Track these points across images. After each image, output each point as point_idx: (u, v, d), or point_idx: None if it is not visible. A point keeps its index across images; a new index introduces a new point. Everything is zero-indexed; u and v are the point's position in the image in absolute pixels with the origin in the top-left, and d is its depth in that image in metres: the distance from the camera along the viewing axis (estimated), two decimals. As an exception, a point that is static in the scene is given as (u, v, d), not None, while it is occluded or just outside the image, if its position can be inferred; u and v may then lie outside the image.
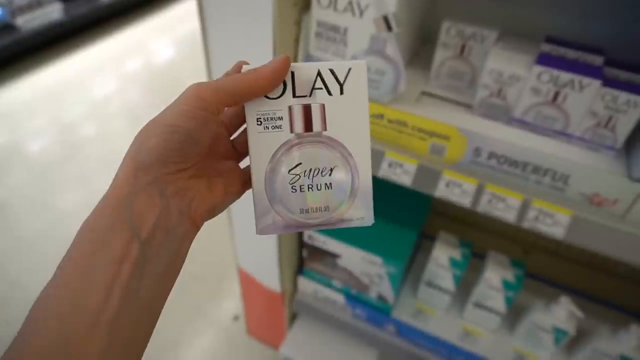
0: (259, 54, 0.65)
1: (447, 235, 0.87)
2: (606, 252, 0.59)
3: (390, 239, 0.88)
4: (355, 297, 0.94)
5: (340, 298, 0.95)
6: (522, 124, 0.62)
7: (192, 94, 0.29)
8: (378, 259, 0.85)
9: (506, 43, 0.63)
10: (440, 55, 0.68)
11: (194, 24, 0.68)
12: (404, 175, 0.66)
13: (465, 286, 0.90)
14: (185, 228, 0.29)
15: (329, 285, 0.96)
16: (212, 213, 0.32)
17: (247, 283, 1.03)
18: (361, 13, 0.59)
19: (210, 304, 1.41)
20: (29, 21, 2.35)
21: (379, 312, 0.92)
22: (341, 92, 0.32)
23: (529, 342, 0.84)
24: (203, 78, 0.75)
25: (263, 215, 0.32)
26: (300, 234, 0.92)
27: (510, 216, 0.62)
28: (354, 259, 0.87)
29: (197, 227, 0.30)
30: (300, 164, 0.32)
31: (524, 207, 0.61)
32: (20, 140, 2.11)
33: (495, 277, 0.81)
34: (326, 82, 0.32)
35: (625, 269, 0.95)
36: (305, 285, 0.99)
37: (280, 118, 0.32)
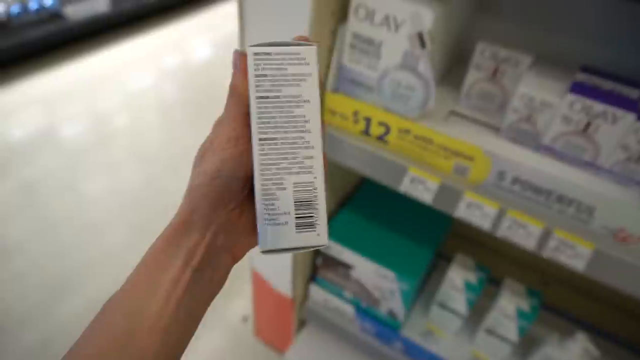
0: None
1: (464, 257, 0.86)
2: (627, 290, 0.57)
3: (406, 255, 0.87)
4: (365, 311, 0.94)
5: (350, 310, 0.95)
6: (550, 151, 0.61)
7: (224, 137, 0.31)
8: (391, 274, 0.84)
9: (540, 69, 0.63)
10: (472, 76, 0.68)
11: (234, 26, 0.69)
12: (425, 192, 0.66)
13: (478, 311, 0.89)
14: (226, 262, 0.33)
15: (340, 295, 0.96)
16: (252, 246, 0.35)
17: (259, 286, 1.04)
18: (397, 28, 0.60)
19: (220, 301, 1.42)
20: (77, 11, 2.44)
21: (388, 328, 0.92)
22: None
23: (539, 376, 0.81)
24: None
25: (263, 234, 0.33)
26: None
27: (530, 244, 0.61)
28: (367, 272, 0.87)
29: (236, 260, 0.34)
30: None
31: (545, 236, 0.60)
32: (55, 124, 2.18)
33: (509, 305, 0.79)
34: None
35: (647, 312, 0.92)
36: (317, 293, 0.99)
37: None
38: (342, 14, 0.65)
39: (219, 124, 0.33)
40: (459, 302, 0.85)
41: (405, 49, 0.60)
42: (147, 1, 2.77)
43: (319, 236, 0.31)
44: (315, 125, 0.31)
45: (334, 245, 0.88)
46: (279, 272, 0.96)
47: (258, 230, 0.31)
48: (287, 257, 0.91)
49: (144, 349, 0.28)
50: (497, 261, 1.00)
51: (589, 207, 0.57)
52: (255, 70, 0.30)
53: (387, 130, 0.67)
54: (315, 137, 0.31)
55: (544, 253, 0.60)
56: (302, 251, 0.31)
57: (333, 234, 0.89)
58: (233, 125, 0.31)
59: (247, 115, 0.31)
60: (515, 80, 0.64)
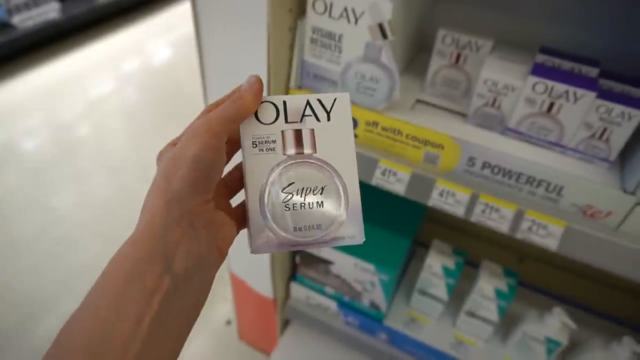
0: (253, 60, 0.64)
1: (441, 243, 0.86)
2: (600, 265, 0.58)
3: (383, 247, 0.87)
4: (348, 305, 0.94)
5: (332, 305, 0.95)
6: (516, 134, 0.61)
7: (203, 126, 0.30)
8: (370, 267, 0.84)
9: (501, 53, 0.63)
10: (435, 63, 0.67)
11: (191, 26, 0.67)
12: (397, 183, 0.66)
13: (458, 295, 0.90)
14: (214, 258, 0.31)
15: (321, 292, 0.95)
16: (232, 240, 0.33)
17: (239, 288, 1.03)
18: (356, 20, 0.59)
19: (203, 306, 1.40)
20: (26, 20, 2.33)
21: (372, 319, 0.92)
22: (328, 119, 0.35)
23: (522, 353, 0.83)
24: (198, 80, 0.74)
25: (257, 234, 0.33)
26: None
27: (503, 227, 0.61)
28: (347, 266, 0.87)
29: (223, 256, 0.32)
30: (293, 183, 0.34)
31: (518, 218, 0.60)
32: (14, 139, 2.09)
33: (488, 286, 0.80)
34: (314, 110, 0.35)
35: (619, 281, 0.95)
36: (298, 291, 0.98)
37: (274, 141, 0.34)
38: (299, 10, 0.64)
39: (201, 116, 0.32)
40: (439, 288, 0.86)
41: (367, 40, 0.60)
42: (99, 4, 2.67)
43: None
44: None
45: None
46: (258, 273, 0.95)
47: (357, 227, 0.34)
48: (265, 258, 0.90)
49: None
50: (474, 243, 1.02)
51: (558, 187, 0.58)
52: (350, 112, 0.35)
53: (355, 124, 0.66)
54: None
55: (518, 235, 0.61)
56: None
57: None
58: (220, 121, 0.31)
59: (234, 119, 0.32)
60: (478, 65, 0.64)
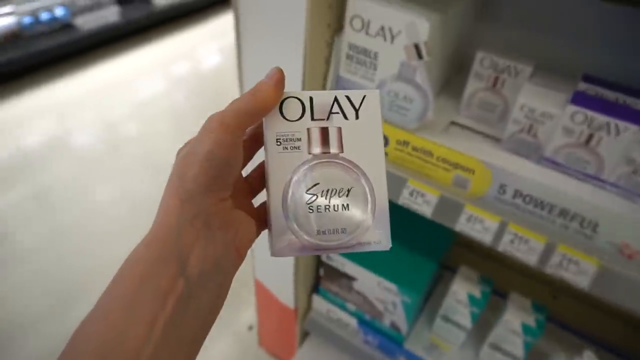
0: (289, 71, 0.65)
1: (468, 270, 0.84)
2: (634, 308, 0.55)
3: (409, 268, 0.85)
4: (368, 323, 0.92)
5: (353, 322, 0.94)
6: (552, 164, 0.59)
7: (216, 122, 0.29)
8: (394, 287, 0.82)
9: (541, 79, 0.61)
10: (472, 85, 0.66)
11: (237, 35, 0.69)
12: (425, 205, 0.64)
13: (483, 324, 0.87)
14: (231, 260, 0.29)
15: (342, 307, 0.95)
16: (252, 242, 0.32)
17: (263, 295, 1.03)
18: (392, 39, 0.59)
19: (227, 310, 1.42)
20: (88, 22, 2.48)
21: (391, 341, 0.90)
22: (357, 117, 0.33)
23: (547, 392, 0.79)
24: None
25: (279, 236, 0.32)
26: (318, 253, 0.91)
27: (532, 259, 0.59)
28: (370, 284, 0.86)
29: (241, 258, 0.30)
30: (317, 184, 0.32)
31: (548, 251, 0.58)
32: (67, 133, 2.21)
33: (515, 320, 0.77)
34: (342, 107, 0.33)
35: (661, 326, 0.89)
36: (320, 304, 0.98)
37: (299, 139, 0.32)
38: (338, 25, 0.65)
39: (215, 115, 0.30)
40: (463, 315, 0.83)
41: (402, 59, 0.59)
42: (156, 10, 2.80)
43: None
44: None
45: (337, 257, 0.87)
46: (281, 282, 0.95)
47: (384, 232, 0.32)
48: (289, 267, 0.90)
49: None
50: (503, 272, 0.98)
51: (593, 222, 0.55)
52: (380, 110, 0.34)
53: (386, 142, 0.66)
54: None
55: (547, 269, 0.58)
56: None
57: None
58: (234, 115, 0.29)
59: (252, 113, 0.30)
60: (516, 90, 0.62)
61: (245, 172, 0.35)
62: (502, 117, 0.66)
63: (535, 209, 0.58)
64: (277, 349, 1.18)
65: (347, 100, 0.33)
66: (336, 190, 0.32)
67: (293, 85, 0.65)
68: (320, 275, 0.94)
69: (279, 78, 0.31)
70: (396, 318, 0.87)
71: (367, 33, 0.60)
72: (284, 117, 0.32)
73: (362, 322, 0.92)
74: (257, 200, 0.35)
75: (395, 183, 0.66)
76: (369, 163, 0.33)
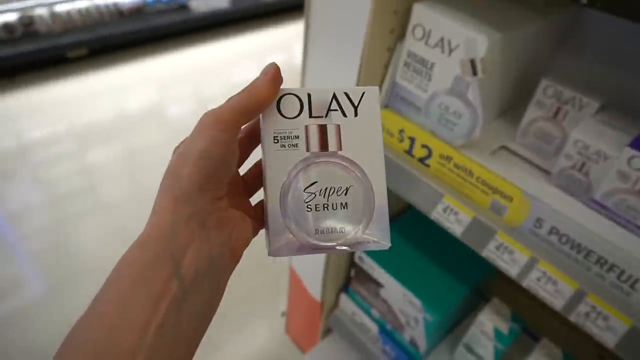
0: (347, 72, 0.67)
1: (500, 303, 0.80)
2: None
3: (439, 288, 0.83)
4: (389, 333, 0.91)
5: (374, 328, 0.93)
6: (600, 207, 0.55)
7: (211, 119, 0.28)
8: (418, 302, 0.81)
9: (607, 116, 0.57)
10: (532, 113, 0.63)
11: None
12: (456, 224, 0.63)
13: (507, 364, 0.82)
14: (226, 260, 0.28)
15: (367, 312, 0.94)
16: (248, 241, 0.31)
17: (295, 284, 1.06)
18: (450, 52, 0.58)
19: (266, 295, 1.47)
20: (201, 5, 2.68)
21: (408, 356, 0.88)
22: (355, 114, 0.32)
23: None
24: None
25: (276, 236, 0.31)
26: (352, 253, 0.92)
27: (557, 303, 0.55)
28: (396, 294, 0.85)
29: (237, 259, 0.30)
30: (315, 182, 0.32)
31: (576, 299, 0.54)
32: (164, 103, 2.42)
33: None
34: (341, 104, 0.32)
35: None
36: (346, 304, 0.98)
37: (297, 137, 0.32)
38: (401, 32, 0.65)
39: (209, 112, 0.30)
40: (486, 349, 0.80)
41: (457, 73, 0.58)
42: (264, 2, 2.95)
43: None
44: None
45: (368, 260, 0.87)
46: (312, 274, 0.97)
47: (382, 233, 0.32)
48: (321, 260, 0.92)
49: None
50: (545, 316, 0.92)
51: (633, 278, 0.50)
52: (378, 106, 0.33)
53: (429, 154, 0.65)
54: None
55: (572, 317, 0.54)
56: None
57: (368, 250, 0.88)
58: (229, 112, 0.29)
59: (248, 111, 0.30)
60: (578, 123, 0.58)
61: (242, 170, 0.35)
62: (559, 151, 0.62)
63: (571, 250, 0.54)
64: (300, 338, 1.20)
65: (345, 98, 0.33)
66: (335, 188, 0.32)
67: (348, 83, 0.67)
68: (351, 276, 0.95)
69: (275, 73, 0.30)
70: (416, 334, 0.85)
71: (426, 43, 0.60)
72: (282, 115, 0.32)
73: (383, 330, 0.92)
74: (255, 199, 0.35)
75: (431, 196, 0.65)
76: (368, 161, 0.32)
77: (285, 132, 0.32)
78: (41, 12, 2.40)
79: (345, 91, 0.33)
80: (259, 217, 0.33)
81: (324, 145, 0.32)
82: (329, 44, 0.69)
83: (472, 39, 0.55)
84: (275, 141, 0.32)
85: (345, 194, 0.32)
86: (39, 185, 1.85)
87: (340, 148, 0.32)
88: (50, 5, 2.40)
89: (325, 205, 0.32)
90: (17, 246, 1.60)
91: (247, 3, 2.89)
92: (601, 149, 0.53)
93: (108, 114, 2.27)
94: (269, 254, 0.31)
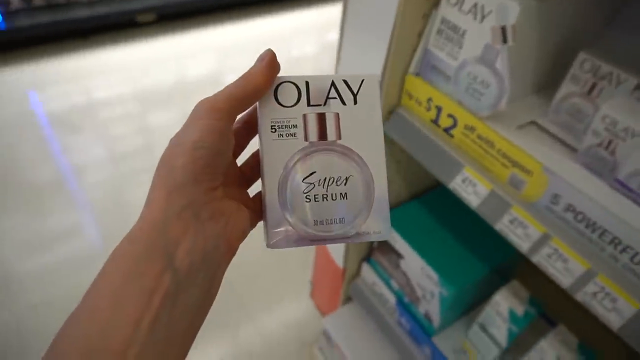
0: (379, 41, 0.67)
1: (519, 286, 0.79)
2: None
3: (458, 264, 0.83)
4: (405, 305, 0.92)
5: (392, 299, 0.95)
6: (622, 187, 0.53)
7: (205, 107, 0.28)
8: (435, 276, 0.81)
9: (644, 94, 0.54)
10: (566, 88, 0.61)
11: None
12: (473, 195, 0.63)
13: (522, 346, 0.81)
14: (222, 252, 0.28)
15: (387, 283, 0.96)
16: (245, 234, 0.31)
17: (320, 249, 1.09)
18: (483, 18, 0.57)
19: (296, 268, 1.52)
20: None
21: (422, 330, 0.89)
22: (355, 102, 0.32)
23: None
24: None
25: (275, 227, 0.31)
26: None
27: (565, 280, 0.54)
28: (414, 266, 0.85)
29: (233, 250, 0.29)
30: (314, 172, 0.31)
31: (586, 278, 0.53)
32: (222, 71, 2.50)
33: (551, 351, 0.71)
34: (340, 92, 0.32)
35: None
36: (368, 273, 1.00)
37: (295, 126, 0.31)
38: (438, -2, 0.65)
39: (205, 100, 0.29)
40: (500, 330, 0.79)
41: (487, 41, 0.58)
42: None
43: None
44: None
45: (392, 232, 0.88)
46: (337, 242, 1.00)
47: (381, 223, 0.31)
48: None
49: None
50: (568, 306, 0.89)
51: (647, 261, 0.49)
52: (379, 95, 0.33)
53: (454, 124, 0.65)
54: None
55: (578, 296, 0.53)
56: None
57: (394, 220, 0.88)
58: (224, 100, 0.28)
59: (243, 99, 0.29)
60: (612, 101, 0.56)
61: (240, 160, 0.34)
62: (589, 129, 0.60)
63: (586, 229, 0.53)
64: (321, 303, 1.24)
65: (344, 85, 0.32)
66: (334, 178, 0.31)
67: (379, 54, 0.68)
68: (374, 247, 0.97)
69: (271, 59, 0.30)
70: (430, 308, 0.85)
71: (460, 9, 0.60)
72: (279, 103, 0.31)
73: (400, 302, 0.93)
74: (253, 190, 0.34)
75: (452, 167, 0.65)
76: (368, 150, 0.31)
77: (283, 121, 0.31)
78: (117, -23, 2.54)
79: (344, 79, 0.32)
80: (257, 209, 0.32)
81: (322, 134, 0.31)
82: (366, 11, 0.69)
83: (504, 5, 0.54)
84: (273, 130, 0.31)
85: (345, 184, 0.31)
86: (102, 141, 1.99)
87: (339, 137, 0.31)
88: (126, -29, 2.54)
89: (325, 196, 0.31)
90: (78, 196, 1.75)
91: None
92: (630, 126, 0.51)
93: (169, 80, 2.39)
94: (268, 246, 0.31)
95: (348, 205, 0.31)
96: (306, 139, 0.31)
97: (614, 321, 0.51)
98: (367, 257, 1.01)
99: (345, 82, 0.32)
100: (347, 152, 0.31)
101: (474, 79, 0.61)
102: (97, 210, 1.69)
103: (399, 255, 0.89)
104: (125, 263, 0.24)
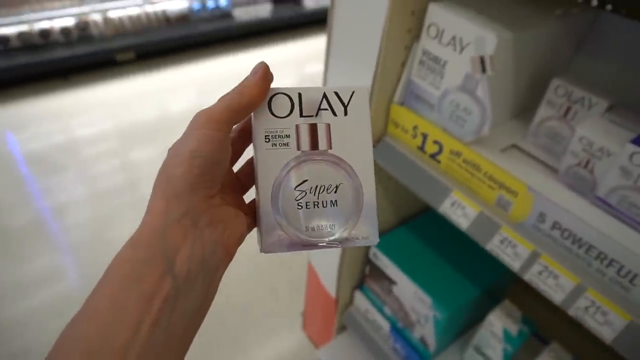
0: (364, 70, 0.70)
1: (511, 305, 0.80)
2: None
3: (450, 287, 0.84)
4: (400, 331, 0.93)
5: (386, 326, 0.95)
6: (603, 203, 0.55)
7: (203, 118, 0.29)
8: (428, 300, 0.82)
9: (616, 116, 0.58)
10: (542, 112, 0.64)
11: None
12: (462, 217, 0.65)
13: (516, 368, 0.82)
14: (219, 258, 0.29)
15: (380, 310, 0.96)
16: (242, 239, 0.32)
17: (312, 279, 1.09)
18: (462, 50, 0.61)
19: (288, 292, 1.51)
20: (244, 14, 2.79)
21: (418, 355, 0.89)
22: (345, 113, 0.33)
23: None
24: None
25: (268, 233, 0.32)
26: (367, 250, 0.94)
27: (557, 297, 0.56)
28: (407, 292, 0.86)
29: (230, 256, 0.30)
30: (306, 180, 0.32)
31: (576, 293, 0.54)
32: (204, 105, 2.52)
33: (546, 368, 0.72)
34: (331, 103, 0.33)
35: None
36: (360, 301, 1.00)
37: (288, 136, 0.32)
38: (418, 32, 0.68)
39: (202, 111, 0.30)
40: (495, 351, 0.80)
41: (467, 71, 0.61)
42: (304, 12, 3.04)
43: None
44: None
45: (382, 257, 0.89)
46: (329, 270, 1.00)
47: (370, 230, 0.33)
48: (336, 257, 0.95)
49: None
50: (557, 322, 0.90)
51: (632, 273, 0.51)
52: (368, 107, 0.34)
53: (440, 150, 0.68)
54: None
55: (571, 311, 0.55)
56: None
57: (384, 246, 0.90)
58: (221, 111, 0.29)
59: (239, 110, 0.31)
60: (586, 123, 0.59)
61: (236, 167, 0.35)
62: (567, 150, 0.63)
63: (572, 245, 0.55)
64: (314, 334, 1.23)
65: (335, 96, 0.33)
66: (325, 186, 0.32)
67: (365, 81, 0.70)
68: (366, 274, 0.97)
69: (264, 72, 0.31)
70: (426, 333, 0.86)
71: (440, 41, 0.63)
72: (273, 114, 0.32)
73: (394, 328, 0.93)
74: (249, 197, 0.35)
75: (440, 191, 0.67)
76: (358, 159, 0.33)
77: (277, 131, 0.32)
78: (96, 17, 2.57)
79: (335, 90, 0.33)
80: (253, 214, 0.33)
81: (314, 144, 0.32)
82: (350, 43, 0.73)
83: (481, 37, 0.57)
84: (267, 140, 0.32)
85: (335, 192, 0.32)
86: (83, 180, 1.97)
87: (330, 147, 0.33)
88: (104, 11, 2.57)
89: (316, 203, 0.32)
90: (58, 238, 1.71)
91: (287, 13, 2.98)
92: (604, 146, 0.54)
93: (151, 115, 2.39)
94: (261, 250, 0.32)
95: (338, 212, 0.32)
96: (298, 148, 0.32)
97: (606, 334, 0.52)
98: (360, 285, 1.01)
99: (336, 93, 0.33)
100: (337, 161, 0.32)
101: (457, 107, 0.64)
102: (79, 251, 1.66)
103: (391, 281, 0.89)
104: (126, 268, 0.25)
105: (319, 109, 0.33)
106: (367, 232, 0.33)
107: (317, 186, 0.32)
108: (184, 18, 2.73)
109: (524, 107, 0.73)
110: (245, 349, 1.36)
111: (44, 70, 2.45)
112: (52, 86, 2.51)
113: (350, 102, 0.33)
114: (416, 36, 0.69)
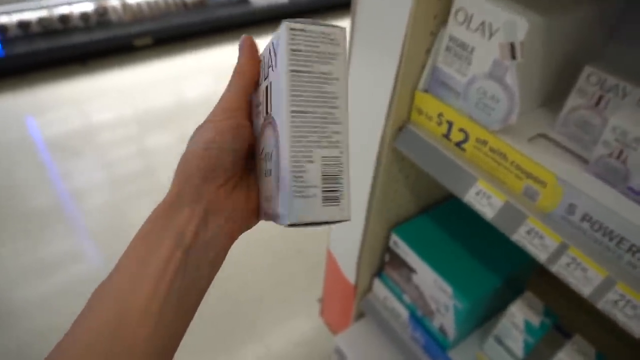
0: (389, 57, 0.69)
1: (533, 297, 0.79)
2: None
3: (471, 276, 0.84)
4: (419, 320, 0.92)
5: (405, 314, 0.95)
6: (636, 195, 0.54)
7: (218, 109, 0.32)
8: (449, 289, 0.82)
9: (651, 104, 0.56)
10: (573, 101, 0.63)
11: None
12: (488, 207, 0.64)
13: (537, 357, 0.81)
14: (221, 241, 0.32)
15: (399, 297, 0.96)
16: (250, 222, 0.34)
17: (331, 265, 1.09)
18: (490, 35, 0.59)
19: (304, 279, 1.52)
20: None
21: (437, 344, 0.89)
22: (275, 65, 0.29)
23: None
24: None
25: (261, 202, 0.33)
26: (387, 237, 0.94)
27: (585, 290, 0.55)
28: (427, 280, 0.86)
29: (232, 239, 0.33)
30: (264, 147, 0.32)
31: (605, 286, 0.53)
32: (220, 91, 2.52)
33: (569, 360, 0.71)
34: (271, 57, 0.30)
35: None
36: (379, 288, 1.00)
37: (261, 102, 0.32)
38: (445, 17, 0.66)
39: (218, 101, 0.33)
40: (516, 342, 0.79)
41: (495, 57, 0.59)
42: (324, -2, 3.00)
43: (342, 211, 0.29)
44: (343, 102, 0.29)
45: (402, 245, 0.89)
46: (348, 257, 1.00)
47: (283, 204, 0.28)
48: (357, 242, 0.94)
49: (134, 334, 0.26)
50: (581, 315, 0.89)
51: (665, 267, 0.50)
52: (289, 44, 0.28)
53: (466, 138, 0.66)
54: (343, 114, 0.29)
55: (600, 304, 0.54)
56: (325, 225, 0.29)
57: (404, 234, 0.89)
58: (233, 98, 0.32)
59: (247, 92, 0.32)
60: (620, 112, 0.57)
61: None
62: (598, 140, 0.61)
63: (603, 238, 0.54)
64: (332, 320, 1.23)
65: (272, 47, 0.30)
66: (269, 154, 0.30)
67: (389, 69, 0.69)
68: (385, 261, 0.97)
69: (249, 45, 0.33)
70: (445, 322, 0.86)
71: (468, 27, 0.62)
72: (258, 84, 0.33)
73: (413, 316, 0.93)
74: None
75: (465, 180, 0.66)
76: (280, 120, 0.28)
77: (258, 100, 0.33)
78: (114, 2, 2.57)
79: (272, 39, 0.30)
80: None
81: (267, 107, 0.31)
82: (374, 30, 0.71)
83: (512, 22, 0.56)
84: (257, 111, 0.33)
85: (270, 159, 0.30)
86: (101, 165, 1.99)
87: (271, 108, 0.30)
88: (123, -4, 2.57)
89: (265, 172, 0.31)
90: (77, 222, 1.74)
91: (305, -1, 2.96)
92: (639, 135, 0.52)
93: (168, 101, 2.40)
94: (287, 225, 0.31)
95: (269, 183, 0.30)
96: (266, 112, 0.31)
97: (636, 328, 0.51)
98: (379, 272, 1.01)
99: (272, 43, 0.30)
100: (273, 124, 0.29)
101: (484, 94, 0.62)
102: (97, 235, 1.69)
103: (411, 269, 0.89)
104: (146, 239, 0.29)
105: (268, 67, 0.31)
106: (281, 209, 0.28)
107: (267, 153, 0.31)
108: (201, 3, 2.72)
109: (552, 95, 0.71)
110: (262, 335, 1.37)
111: (62, 55, 2.47)
112: (71, 71, 2.53)
113: (278, 50, 0.29)
114: (442, 22, 0.67)
